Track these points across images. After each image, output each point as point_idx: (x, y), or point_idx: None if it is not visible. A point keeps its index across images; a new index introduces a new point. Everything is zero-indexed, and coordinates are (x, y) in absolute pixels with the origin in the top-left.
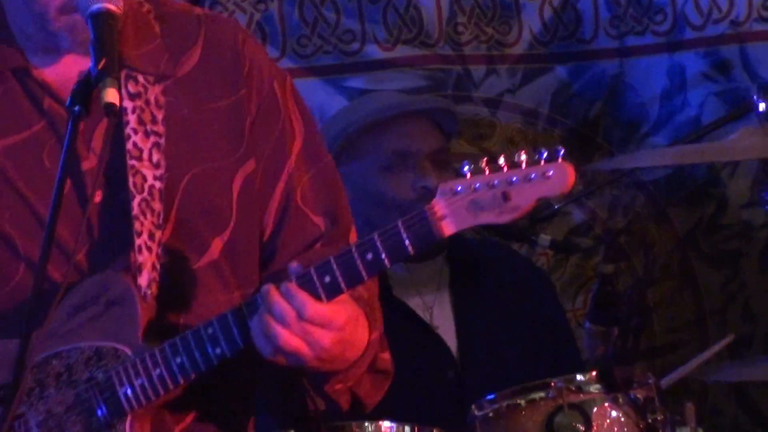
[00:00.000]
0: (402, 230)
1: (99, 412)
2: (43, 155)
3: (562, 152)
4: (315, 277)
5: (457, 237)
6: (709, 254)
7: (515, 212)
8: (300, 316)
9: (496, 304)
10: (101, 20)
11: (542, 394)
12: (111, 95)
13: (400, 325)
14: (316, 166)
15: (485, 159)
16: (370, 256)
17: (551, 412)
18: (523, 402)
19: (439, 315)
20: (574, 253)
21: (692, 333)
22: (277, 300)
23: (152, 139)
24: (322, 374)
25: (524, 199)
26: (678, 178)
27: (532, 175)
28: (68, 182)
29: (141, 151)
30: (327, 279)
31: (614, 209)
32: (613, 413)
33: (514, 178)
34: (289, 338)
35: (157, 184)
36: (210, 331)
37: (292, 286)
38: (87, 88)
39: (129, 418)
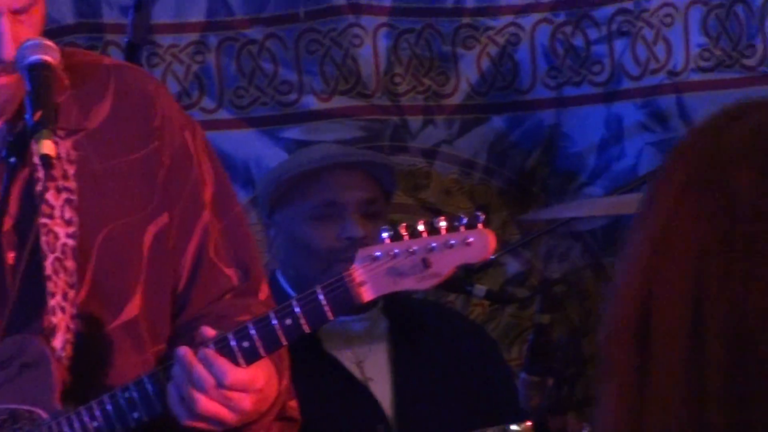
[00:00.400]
0: (321, 295)
1: None
2: None
3: (482, 218)
4: (233, 343)
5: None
6: None
7: (435, 279)
8: (220, 384)
9: (434, 357)
10: (37, 72)
11: None
12: (47, 147)
13: (328, 380)
14: (228, 217)
15: (404, 225)
16: (288, 321)
17: None
18: None
19: (373, 368)
20: (509, 303)
21: None
22: (195, 366)
23: (64, 195)
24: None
25: (444, 266)
26: (614, 228)
27: (452, 241)
28: None
29: (53, 208)
30: (245, 344)
31: (550, 259)
32: None
33: (434, 245)
34: (208, 404)
35: (70, 242)
36: (127, 395)
37: (210, 353)
38: (23, 139)
39: None
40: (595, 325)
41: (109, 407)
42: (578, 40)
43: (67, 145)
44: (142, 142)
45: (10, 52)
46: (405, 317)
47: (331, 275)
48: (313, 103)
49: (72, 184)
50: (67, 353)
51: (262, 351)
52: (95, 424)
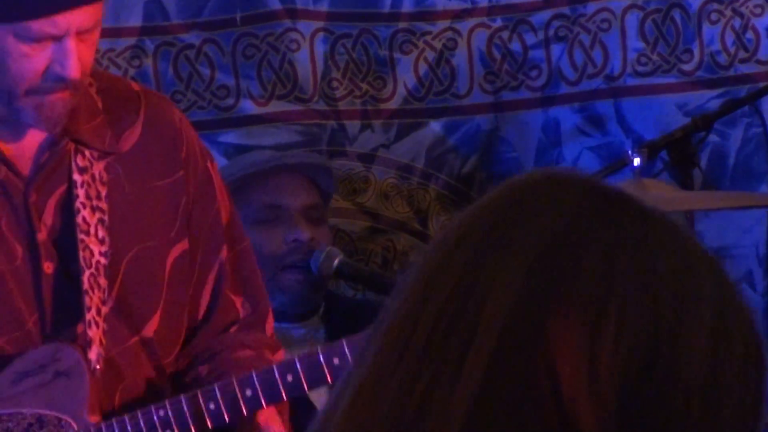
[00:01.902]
0: (321, 357)
1: None
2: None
3: None
4: (237, 390)
5: (333, 295)
6: None
7: None
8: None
9: None
10: None
11: None
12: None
13: None
14: (237, 247)
15: None
16: (290, 378)
17: None
18: None
19: None
20: None
21: None
22: None
23: (98, 215)
24: None
25: None
26: None
27: None
28: (23, 253)
29: (89, 225)
30: (248, 392)
31: None
32: None
33: None
34: None
35: (102, 260)
36: (161, 413)
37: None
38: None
39: None
40: None
41: (141, 423)
42: (515, 45)
43: (100, 166)
44: (169, 169)
45: (75, 72)
46: (341, 321)
47: (279, 280)
48: (250, 107)
49: (104, 205)
50: (100, 367)
51: (263, 401)
52: None
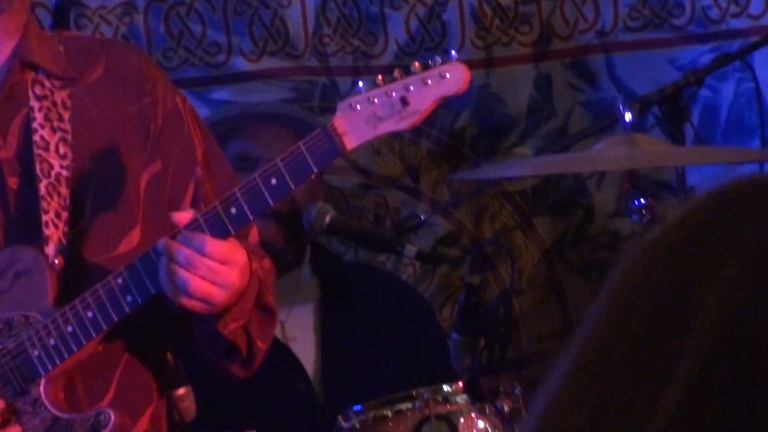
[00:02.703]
0: (304, 150)
1: (13, 380)
2: None
3: (455, 54)
4: (221, 210)
5: (323, 249)
6: (576, 264)
7: (415, 116)
8: (200, 252)
9: (364, 318)
10: None
11: (409, 405)
12: None
13: None
14: (219, 176)
15: (380, 75)
16: (274, 181)
17: (418, 423)
18: (389, 413)
19: (297, 327)
20: (440, 263)
21: (559, 343)
22: (177, 247)
23: (59, 134)
24: (214, 316)
25: (423, 102)
26: (544, 188)
27: (428, 78)
28: None
29: (48, 143)
30: (233, 210)
31: (480, 220)
32: (480, 423)
33: (411, 84)
34: (197, 282)
35: (64, 173)
36: (119, 281)
37: (186, 232)
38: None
39: (42, 381)
40: (525, 285)
41: (102, 294)
42: (506, 0)
43: (62, 94)
44: (135, 98)
45: None
46: (335, 278)
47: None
48: (242, 64)
49: (67, 126)
50: (59, 263)
51: (249, 214)
52: (90, 313)
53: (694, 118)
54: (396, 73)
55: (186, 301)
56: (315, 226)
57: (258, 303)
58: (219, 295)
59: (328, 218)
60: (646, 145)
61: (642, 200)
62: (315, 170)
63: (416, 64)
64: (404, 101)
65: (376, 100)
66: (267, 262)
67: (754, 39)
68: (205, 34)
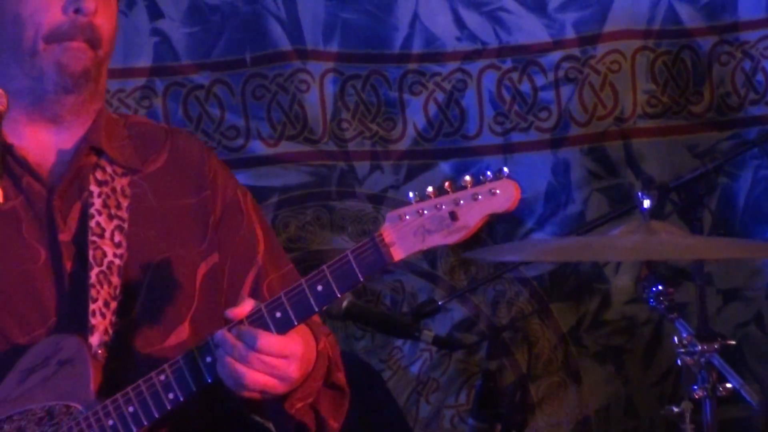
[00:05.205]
0: (351, 259)
1: None
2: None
3: (506, 172)
4: (266, 314)
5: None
6: (592, 350)
7: (463, 231)
8: (251, 347)
9: None
10: None
11: None
12: None
13: None
14: (282, 270)
15: (431, 187)
16: (320, 288)
17: None
18: None
19: None
20: (457, 349)
21: (575, 429)
22: (233, 341)
23: (115, 222)
24: (280, 396)
25: (472, 218)
26: (562, 274)
27: (479, 194)
28: (46, 255)
29: (103, 230)
30: (278, 315)
31: (498, 305)
32: None
33: (461, 198)
34: (254, 375)
35: (117, 261)
36: (162, 377)
37: (243, 327)
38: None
39: None
40: (542, 370)
41: (144, 390)
42: (525, 86)
43: (123, 182)
44: (195, 191)
45: (90, 4)
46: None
47: None
48: (260, 148)
49: (124, 214)
50: (102, 353)
51: (294, 320)
52: (131, 408)
53: (713, 205)
54: (447, 185)
55: (245, 393)
56: (332, 311)
57: (327, 381)
58: (278, 387)
59: (345, 303)
60: (664, 234)
61: (660, 286)
62: (361, 279)
63: (467, 178)
64: (453, 216)
65: (425, 212)
66: (332, 338)
67: None
68: (223, 118)
